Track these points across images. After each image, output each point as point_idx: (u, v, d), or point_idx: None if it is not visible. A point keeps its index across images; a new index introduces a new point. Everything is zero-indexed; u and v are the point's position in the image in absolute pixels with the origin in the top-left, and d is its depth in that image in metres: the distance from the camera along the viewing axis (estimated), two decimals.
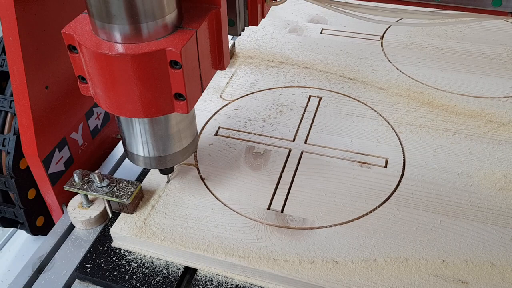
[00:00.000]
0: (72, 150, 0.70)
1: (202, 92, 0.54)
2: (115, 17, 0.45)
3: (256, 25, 0.61)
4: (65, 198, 0.68)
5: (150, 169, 0.71)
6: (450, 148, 0.73)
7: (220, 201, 0.66)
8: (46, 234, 0.66)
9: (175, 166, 0.68)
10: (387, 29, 1.03)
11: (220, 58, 0.54)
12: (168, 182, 0.68)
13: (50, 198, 0.68)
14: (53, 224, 0.69)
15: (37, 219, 0.72)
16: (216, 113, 0.81)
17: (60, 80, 0.66)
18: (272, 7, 0.66)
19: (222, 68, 0.55)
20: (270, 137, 0.76)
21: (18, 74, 0.58)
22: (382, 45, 0.98)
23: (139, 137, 0.58)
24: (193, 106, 0.53)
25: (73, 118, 0.69)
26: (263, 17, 0.62)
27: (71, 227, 0.67)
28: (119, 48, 0.46)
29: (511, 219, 0.63)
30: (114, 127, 0.81)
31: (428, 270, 0.57)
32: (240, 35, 0.60)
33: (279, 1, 0.62)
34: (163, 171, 0.66)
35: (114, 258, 0.62)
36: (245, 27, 0.60)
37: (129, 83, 0.48)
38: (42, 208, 0.72)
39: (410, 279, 0.56)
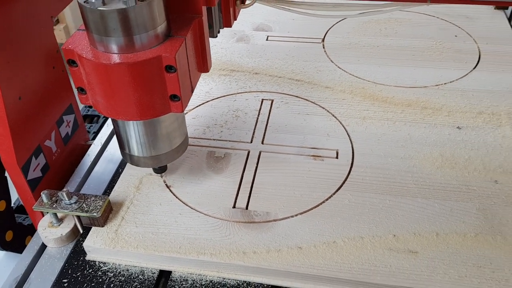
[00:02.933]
0: (47, 157, 0.74)
1: (192, 92, 0.60)
2: (114, 31, 0.50)
3: (230, 26, 0.67)
4: None
5: (116, 182, 0.74)
6: (392, 135, 0.80)
7: (187, 206, 0.70)
8: (15, 250, 0.68)
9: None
10: (327, 32, 1.10)
11: (204, 61, 0.61)
12: (161, 177, 0.74)
13: (30, 204, 0.70)
14: (21, 239, 0.71)
15: (6, 234, 0.73)
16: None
17: (31, 91, 0.70)
18: None
19: (206, 70, 0.62)
20: (229, 141, 0.81)
21: None
22: (324, 47, 1.05)
23: (134, 139, 0.63)
24: (187, 105, 0.59)
25: (45, 126, 0.73)
26: (235, 19, 0.68)
27: (43, 246, 0.68)
28: (119, 58, 0.52)
29: (449, 193, 0.71)
30: (83, 134, 0.85)
31: (382, 245, 0.63)
32: (216, 36, 0.66)
33: (247, 5, 0.69)
34: (156, 170, 0.72)
35: (90, 271, 0.64)
36: (221, 29, 0.66)
37: (130, 89, 0.53)
38: (11, 222, 0.73)
39: (366, 254, 0.62)
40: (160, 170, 0.72)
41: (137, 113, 0.56)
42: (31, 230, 0.79)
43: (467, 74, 0.94)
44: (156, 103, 0.56)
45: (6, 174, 0.72)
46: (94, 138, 0.87)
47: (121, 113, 0.56)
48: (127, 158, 0.67)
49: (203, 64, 0.61)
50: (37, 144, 0.71)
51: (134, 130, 0.62)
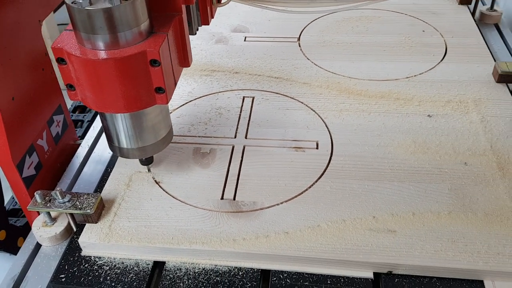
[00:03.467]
0: (40, 156, 0.77)
1: (175, 86, 0.63)
2: (100, 29, 0.54)
3: (208, 24, 0.71)
4: None
5: (105, 182, 0.76)
6: (368, 125, 0.85)
7: (177, 199, 0.73)
8: (7, 250, 0.70)
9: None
10: (302, 31, 1.14)
11: (185, 56, 0.65)
12: (149, 171, 0.77)
13: (25, 201, 0.73)
14: (14, 239, 0.73)
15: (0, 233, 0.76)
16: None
17: (23, 92, 0.73)
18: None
19: (187, 65, 0.65)
20: (214, 137, 0.84)
21: None
22: (299, 46, 1.09)
23: (122, 131, 0.66)
24: (171, 98, 0.62)
25: (37, 126, 0.77)
26: (212, 17, 0.72)
27: (38, 246, 0.70)
28: (107, 54, 0.55)
29: (423, 176, 0.75)
30: (72, 134, 0.88)
31: (362, 226, 0.68)
32: (195, 33, 0.69)
33: (223, 3, 0.73)
34: (143, 162, 0.75)
35: (86, 265, 0.66)
36: (199, 27, 0.70)
37: (117, 83, 0.57)
38: (4, 222, 0.76)
39: (348, 235, 0.66)
40: (147, 162, 0.76)
41: (124, 106, 0.60)
42: (23, 231, 0.81)
43: (435, 66, 1.00)
44: (142, 96, 0.60)
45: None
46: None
47: (109, 106, 0.60)
48: (115, 150, 0.71)
49: (185, 59, 0.65)
50: (30, 143, 0.74)
51: (121, 123, 0.66)
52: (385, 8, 1.22)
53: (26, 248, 0.70)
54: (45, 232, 0.69)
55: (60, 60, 0.58)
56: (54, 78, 0.80)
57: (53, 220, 0.70)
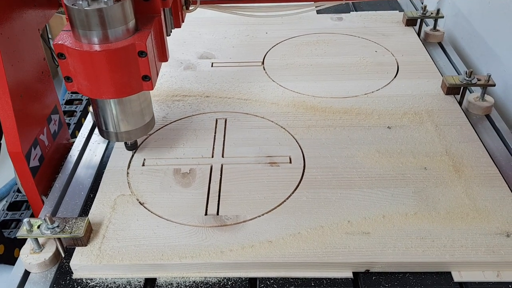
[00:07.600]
0: (42, 149, 0.84)
1: (157, 76, 0.72)
2: (96, 25, 0.63)
3: (179, 27, 0.80)
4: (42, 189, 0.84)
5: (88, 207, 0.78)
6: (335, 139, 0.92)
7: (162, 218, 0.76)
8: (6, 262, 0.75)
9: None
10: (265, 55, 1.21)
11: (164, 52, 0.74)
12: (132, 156, 0.87)
13: (31, 189, 0.83)
14: (10, 250, 0.82)
15: None
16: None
17: (29, 91, 0.83)
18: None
19: (166, 59, 0.74)
20: (192, 158, 0.88)
21: (1, 86, 0.75)
22: (264, 69, 1.16)
23: (115, 116, 0.75)
24: (155, 85, 0.71)
25: (40, 122, 0.86)
26: (183, 21, 0.82)
27: (26, 274, 0.71)
28: (101, 47, 0.64)
29: (389, 181, 0.82)
30: (66, 133, 0.97)
31: (339, 230, 0.73)
32: (170, 35, 0.78)
33: (191, 10, 0.82)
34: (128, 147, 0.84)
35: None
36: (172, 29, 0.79)
37: (110, 72, 0.65)
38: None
39: (327, 240, 0.72)
40: (132, 147, 0.87)
41: (115, 92, 0.68)
42: (19, 242, 0.84)
43: (389, 83, 1.09)
44: (131, 83, 0.68)
45: None
46: None
47: (103, 93, 0.68)
48: (105, 135, 0.79)
49: (163, 55, 0.74)
50: (35, 137, 0.83)
51: (112, 108, 0.75)
52: (339, 32, 1.31)
53: (14, 276, 0.70)
54: (33, 259, 0.70)
55: (60, 55, 0.65)
56: (51, 81, 0.91)
57: (41, 246, 0.71)
